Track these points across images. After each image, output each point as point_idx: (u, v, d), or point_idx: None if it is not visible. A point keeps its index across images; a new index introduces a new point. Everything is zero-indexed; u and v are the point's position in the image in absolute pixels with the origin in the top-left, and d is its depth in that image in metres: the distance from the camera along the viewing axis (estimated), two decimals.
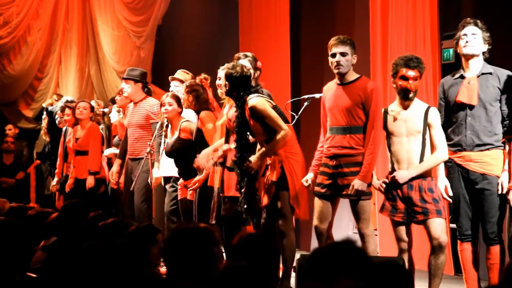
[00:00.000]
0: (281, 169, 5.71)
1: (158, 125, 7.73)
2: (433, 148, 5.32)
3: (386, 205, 5.43)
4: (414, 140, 5.32)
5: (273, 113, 5.68)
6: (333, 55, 5.51)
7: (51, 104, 10.30)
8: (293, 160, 5.74)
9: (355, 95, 5.45)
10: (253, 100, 5.71)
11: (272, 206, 5.76)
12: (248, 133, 5.85)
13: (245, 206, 5.83)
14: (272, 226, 5.79)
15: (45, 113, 10.02)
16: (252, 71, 5.98)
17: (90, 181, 8.51)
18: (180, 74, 7.81)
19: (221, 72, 6.46)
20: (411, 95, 5.33)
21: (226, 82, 5.82)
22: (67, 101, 9.32)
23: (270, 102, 5.77)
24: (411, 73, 5.31)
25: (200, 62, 10.53)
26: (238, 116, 5.82)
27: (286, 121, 5.79)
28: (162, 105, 7.27)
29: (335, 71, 5.52)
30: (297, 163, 5.76)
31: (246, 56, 6.21)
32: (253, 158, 5.73)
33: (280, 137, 5.65)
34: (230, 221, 6.20)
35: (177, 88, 7.61)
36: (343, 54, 5.48)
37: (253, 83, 6.00)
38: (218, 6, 11.54)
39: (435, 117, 5.33)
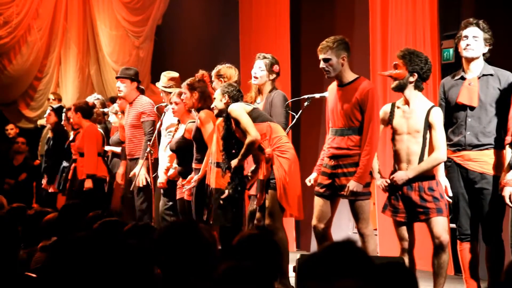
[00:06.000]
0: (271, 168, 5.79)
1: (156, 123, 7.72)
2: (432, 148, 5.31)
3: (388, 205, 5.44)
4: (413, 140, 5.31)
5: (245, 118, 5.84)
6: (320, 62, 5.53)
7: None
8: (281, 158, 5.78)
9: (352, 97, 5.46)
10: (231, 106, 5.92)
11: (264, 205, 5.84)
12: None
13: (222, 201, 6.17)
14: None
15: (49, 110, 9.96)
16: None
17: (88, 185, 8.44)
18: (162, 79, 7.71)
19: (224, 69, 6.62)
20: (392, 85, 5.36)
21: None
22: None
23: (248, 106, 5.94)
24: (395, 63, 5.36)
25: (199, 62, 10.50)
26: (224, 126, 6.05)
27: (266, 119, 5.90)
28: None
29: (326, 76, 5.57)
30: (286, 160, 5.79)
31: (265, 57, 6.34)
32: (233, 162, 5.94)
33: (248, 142, 5.81)
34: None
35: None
36: (325, 60, 5.49)
37: (269, 86, 6.25)
38: (218, 6, 11.53)
39: (437, 117, 5.30)
